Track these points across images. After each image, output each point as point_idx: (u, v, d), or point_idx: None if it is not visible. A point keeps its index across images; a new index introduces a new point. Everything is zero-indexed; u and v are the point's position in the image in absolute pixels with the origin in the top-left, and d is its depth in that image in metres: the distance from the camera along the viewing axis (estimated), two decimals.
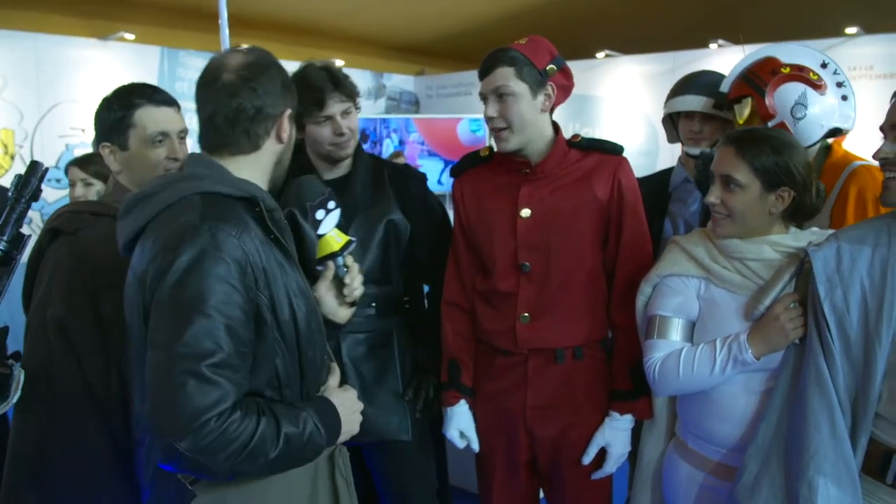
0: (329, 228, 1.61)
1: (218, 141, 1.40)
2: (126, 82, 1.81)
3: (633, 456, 2.02)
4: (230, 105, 1.36)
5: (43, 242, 1.77)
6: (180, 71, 6.58)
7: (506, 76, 1.89)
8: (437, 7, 7.27)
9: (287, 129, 1.45)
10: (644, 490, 1.93)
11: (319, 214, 1.59)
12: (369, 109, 8.51)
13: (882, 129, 1.50)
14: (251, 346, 1.29)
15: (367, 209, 2.12)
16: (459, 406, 2.05)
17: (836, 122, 2.00)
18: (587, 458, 1.97)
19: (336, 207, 1.62)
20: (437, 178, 7.47)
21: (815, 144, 2.02)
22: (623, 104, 7.33)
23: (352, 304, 1.67)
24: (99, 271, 1.67)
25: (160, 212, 1.33)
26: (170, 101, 1.80)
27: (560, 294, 1.96)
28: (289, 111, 1.44)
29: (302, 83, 2.04)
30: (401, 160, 7.27)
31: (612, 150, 2.01)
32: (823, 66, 2.00)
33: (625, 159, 2.01)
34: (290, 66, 2.14)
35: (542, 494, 2.17)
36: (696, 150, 2.22)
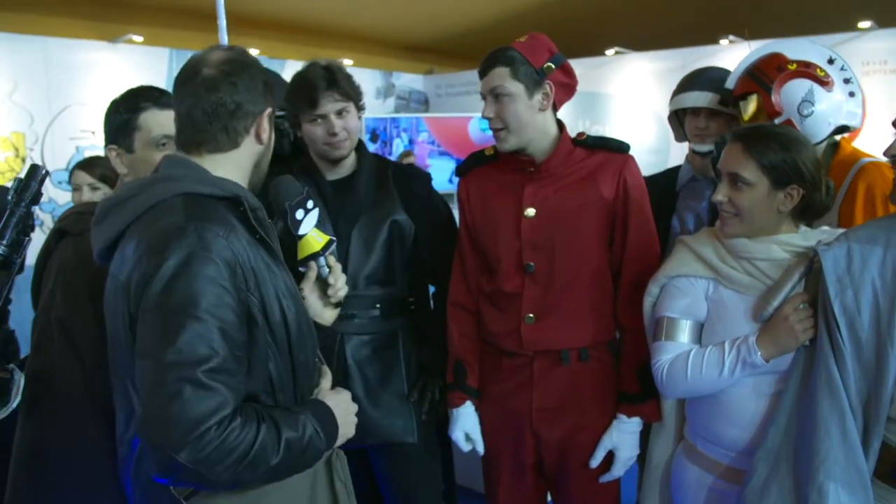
0: (309, 228, 1.59)
1: (195, 137, 1.36)
2: (135, 84, 1.81)
3: (643, 458, 1.99)
4: (209, 99, 1.33)
5: (50, 243, 1.77)
6: None
7: (501, 76, 1.88)
8: (445, 5, 7.25)
9: (267, 129, 1.41)
10: (653, 493, 1.91)
11: (299, 214, 1.56)
12: (378, 109, 8.51)
13: (894, 124, 1.46)
14: (245, 349, 1.26)
15: (370, 210, 2.10)
16: (465, 407, 2.04)
17: (843, 119, 1.97)
18: (595, 462, 1.95)
19: (314, 207, 1.60)
20: (449, 177, 7.45)
21: (822, 142, 1.99)
22: (633, 101, 7.29)
23: (337, 304, 1.65)
24: (103, 273, 1.67)
25: (139, 216, 1.29)
26: None
27: (565, 294, 1.93)
28: (269, 111, 1.41)
29: (299, 81, 2.04)
30: (411, 160, 7.27)
31: (617, 149, 1.99)
32: (830, 62, 1.97)
33: (631, 157, 1.99)
34: (299, 67, 2.14)
35: (549, 497, 2.15)
36: (703, 147, 2.19)
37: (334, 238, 1.64)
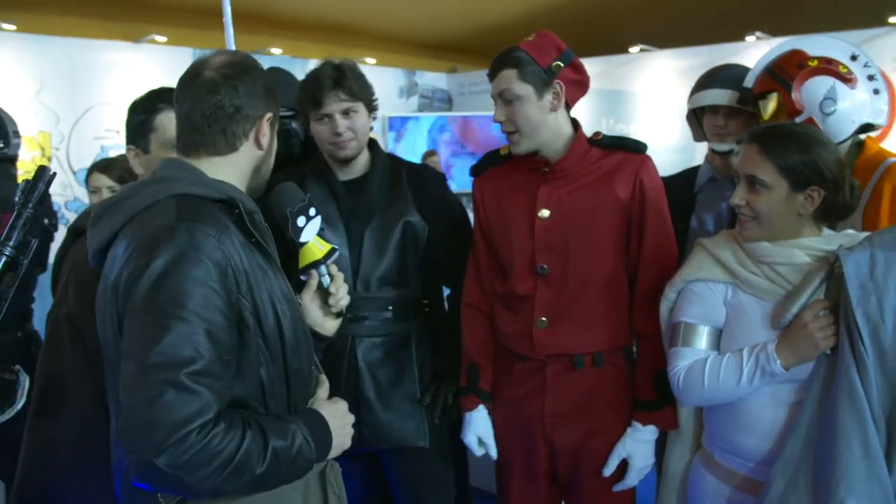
0: (311, 236, 1.58)
1: (194, 140, 1.35)
2: (158, 84, 1.82)
3: (661, 465, 1.94)
4: (209, 102, 1.32)
5: (67, 242, 1.78)
6: None
7: (509, 79, 1.85)
8: (469, 4, 7.22)
9: (267, 134, 1.40)
10: (669, 503, 1.87)
11: (300, 221, 1.55)
12: (402, 107, 8.51)
13: None
14: (234, 353, 1.23)
15: (383, 211, 2.08)
16: (478, 411, 2.01)
17: (867, 117, 1.91)
18: (608, 470, 1.91)
19: (317, 214, 1.59)
20: None
21: (846, 141, 1.92)
22: (658, 99, 7.20)
23: (338, 314, 1.63)
24: None
25: (132, 217, 1.28)
26: None
27: (578, 298, 1.90)
28: (269, 116, 1.40)
29: (308, 80, 2.04)
30: (434, 159, 7.25)
31: (634, 149, 1.94)
32: (853, 58, 1.90)
33: (648, 158, 1.94)
34: None
35: None
36: (722, 146, 2.14)
37: (336, 247, 1.63)
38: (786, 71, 1.91)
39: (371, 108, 2.08)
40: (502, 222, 1.98)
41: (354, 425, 2.03)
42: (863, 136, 1.99)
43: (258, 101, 1.36)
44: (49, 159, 5.92)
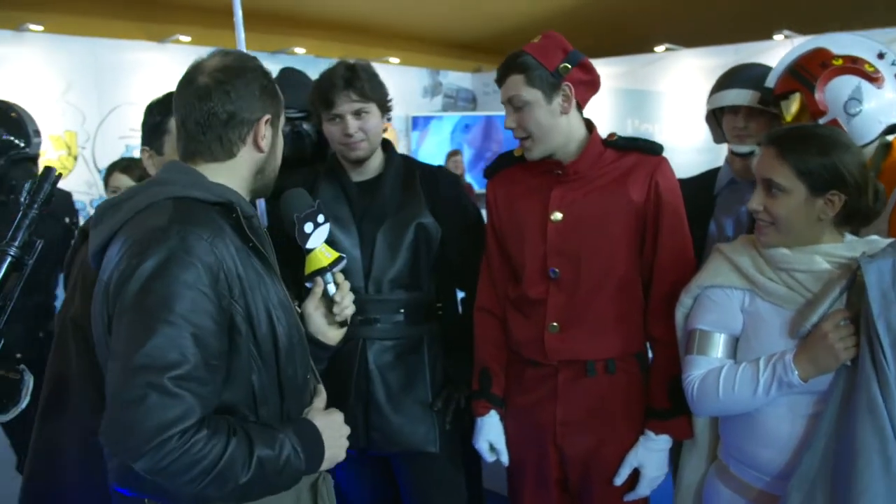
0: (318, 243, 1.56)
1: (189, 147, 1.34)
2: None
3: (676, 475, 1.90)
4: (201, 109, 1.30)
5: (77, 243, 1.79)
6: None
7: (517, 85, 1.82)
8: (493, 3, 7.20)
9: (267, 136, 1.37)
10: None
11: (307, 227, 1.54)
12: (426, 107, 8.50)
13: None
14: (223, 358, 1.21)
15: (396, 212, 2.06)
16: (489, 417, 1.98)
17: (895, 117, 1.83)
18: (619, 479, 1.87)
19: (325, 221, 1.57)
20: None
21: (872, 142, 1.85)
22: (684, 99, 7.12)
23: (342, 324, 1.61)
24: None
25: (129, 218, 1.27)
26: None
27: (590, 303, 1.86)
28: (267, 117, 1.37)
29: (320, 80, 2.02)
30: (458, 159, 7.23)
31: (650, 150, 1.90)
32: (880, 56, 1.83)
33: (664, 159, 1.90)
34: None
35: None
36: (743, 148, 2.08)
37: (344, 256, 1.61)
38: (809, 70, 1.84)
39: (384, 109, 2.05)
40: (514, 225, 1.95)
41: (364, 428, 2.05)
42: (890, 138, 1.92)
43: (253, 103, 1.34)
44: (75, 158, 6.02)
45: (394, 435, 2.05)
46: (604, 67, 8.04)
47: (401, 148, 8.14)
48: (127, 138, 6.19)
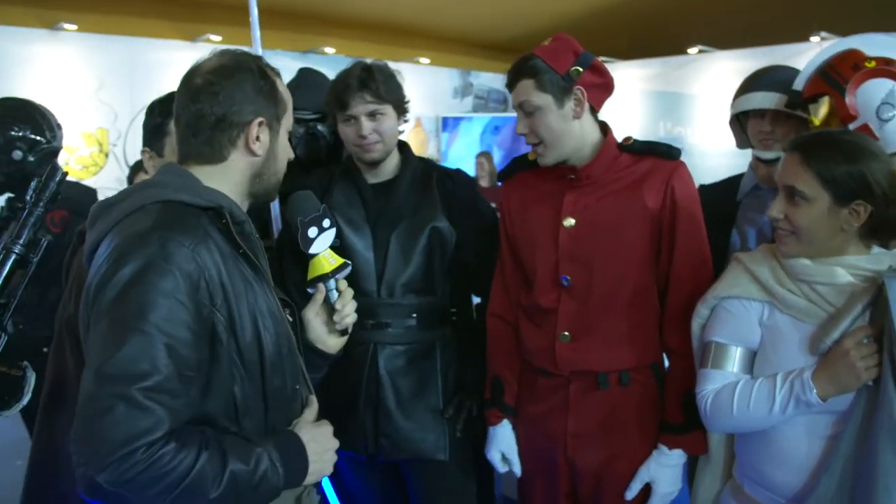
0: (322, 248, 1.53)
1: (184, 150, 1.32)
2: None
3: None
4: (191, 110, 1.28)
5: (75, 244, 1.78)
6: None
7: (527, 90, 1.77)
8: (524, 4, 7.15)
9: (262, 138, 1.33)
10: None
11: (311, 232, 1.51)
12: (456, 108, 8.47)
13: None
14: (201, 369, 1.18)
15: (410, 215, 2.03)
16: (502, 426, 1.95)
17: None
18: (630, 494, 1.82)
19: (331, 227, 1.54)
20: None
21: None
22: (717, 102, 6.97)
23: (343, 332, 1.57)
24: None
25: (119, 220, 1.25)
26: None
27: (603, 312, 1.81)
28: (260, 119, 1.33)
29: (336, 81, 2.00)
30: (482, 160, 7.18)
31: (666, 155, 1.84)
32: None
33: (681, 164, 1.84)
34: None
35: None
36: (768, 154, 2.01)
37: (349, 262, 1.58)
38: (839, 73, 1.76)
39: (401, 110, 2.02)
40: (527, 231, 1.91)
41: (373, 434, 2.02)
42: None
43: (245, 105, 1.30)
44: (106, 155, 6.11)
45: (403, 442, 2.02)
46: (636, 69, 7.93)
47: (431, 149, 8.12)
48: None
